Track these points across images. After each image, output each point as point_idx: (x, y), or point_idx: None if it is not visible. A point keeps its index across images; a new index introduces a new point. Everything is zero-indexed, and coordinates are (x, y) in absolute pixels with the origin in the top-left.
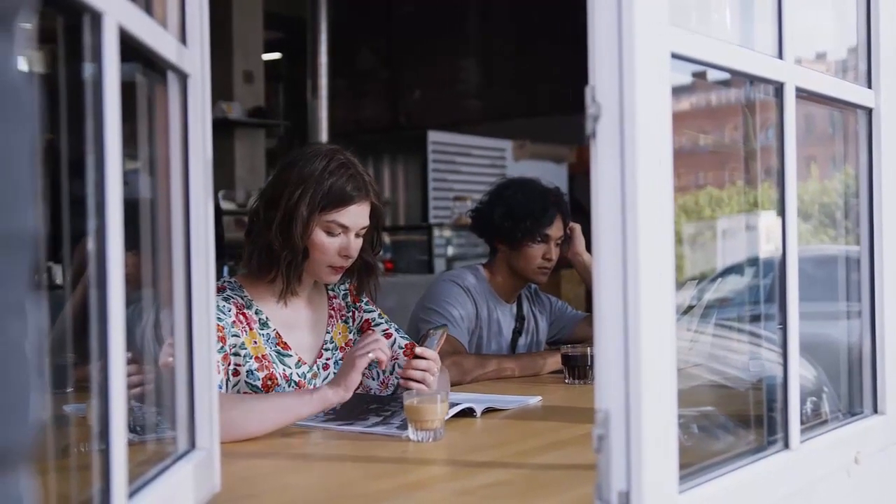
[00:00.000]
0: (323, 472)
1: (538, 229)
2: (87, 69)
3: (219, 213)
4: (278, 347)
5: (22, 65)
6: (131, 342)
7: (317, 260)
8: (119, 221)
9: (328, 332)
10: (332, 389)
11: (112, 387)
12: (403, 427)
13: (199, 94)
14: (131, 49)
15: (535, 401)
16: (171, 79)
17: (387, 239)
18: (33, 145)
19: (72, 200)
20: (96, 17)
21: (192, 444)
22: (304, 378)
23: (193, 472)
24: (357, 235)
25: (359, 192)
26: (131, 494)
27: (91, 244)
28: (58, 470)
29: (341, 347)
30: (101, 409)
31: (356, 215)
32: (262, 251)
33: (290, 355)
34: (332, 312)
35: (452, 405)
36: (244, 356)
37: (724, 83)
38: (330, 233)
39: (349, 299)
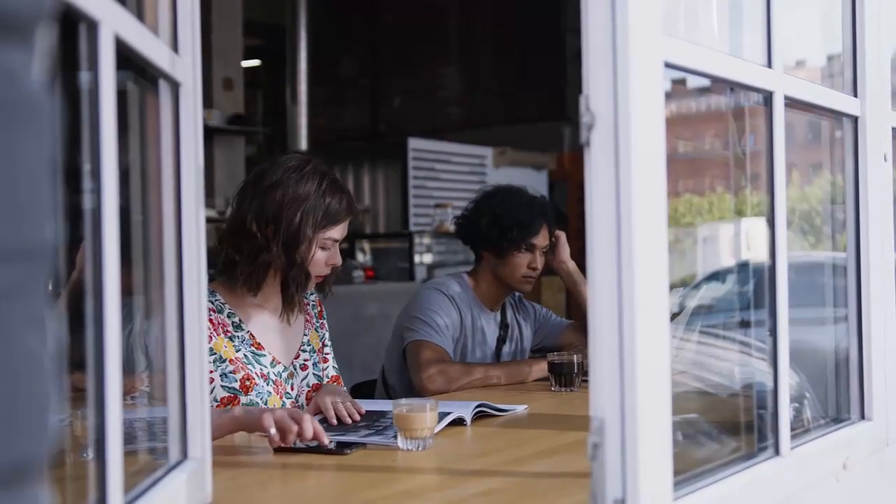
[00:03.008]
0: (314, 482)
1: (524, 239)
2: (83, 77)
3: None
4: (252, 348)
5: (40, 76)
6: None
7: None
8: (115, 229)
9: (305, 335)
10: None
11: (108, 397)
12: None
13: (190, 102)
14: (124, 57)
15: (521, 409)
16: (163, 87)
17: (367, 246)
18: (53, 157)
19: (65, 209)
20: (92, 26)
21: (185, 455)
22: (281, 377)
23: (186, 483)
24: (339, 245)
25: (351, 206)
26: None
27: (86, 253)
28: (49, 480)
29: (318, 350)
30: (97, 420)
31: (345, 228)
32: (261, 269)
33: (265, 355)
34: (308, 317)
35: (443, 415)
36: (214, 361)
37: (703, 90)
38: (323, 248)
39: (316, 311)
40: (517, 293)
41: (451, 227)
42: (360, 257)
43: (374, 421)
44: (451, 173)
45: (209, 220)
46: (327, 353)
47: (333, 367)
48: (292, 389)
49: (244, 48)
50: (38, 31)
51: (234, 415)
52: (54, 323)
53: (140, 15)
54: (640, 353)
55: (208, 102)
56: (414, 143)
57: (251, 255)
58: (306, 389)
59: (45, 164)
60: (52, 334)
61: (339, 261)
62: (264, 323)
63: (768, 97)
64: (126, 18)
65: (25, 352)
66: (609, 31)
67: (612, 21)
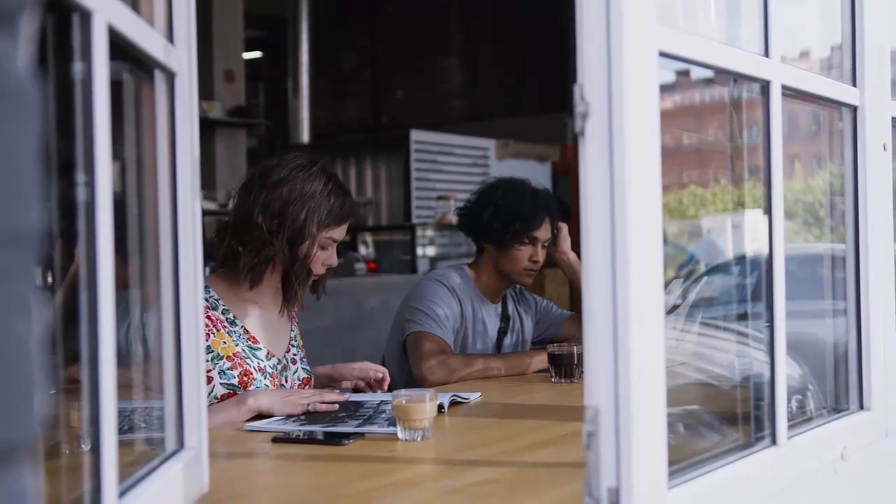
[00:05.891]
0: (312, 472)
1: (526, 232)
2: (76, 67)
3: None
4: (249, 342)
5: (25, 64)
6: (116, 343)
7: None
8: (109, 221)
9: (293, 330)
10: (263, 397)
11: (102, 388)
12: (392, 424)
13: (186, 92)
14: (118, 47)
15: (475, 396)
16: (159, 77)
17: (369, 239)
18: (38, 145)
19: (59, 201)
20: (86, 16)
21: (181, 444)
22: (276, 370)
23: (182, 472)
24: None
25: (353, 209)
26: (121, 494)
27: (79, 245)
28: (44, 471)
29: (301, 347)
30: (91, 410)
31: (344, 229)
32: (264, 263)
33: (260, 348)
34: (294, 315)
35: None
36: (212, 359)
37: (708, 81)
38: (323, 247)
39: (296, 309)
40: (518, 285)
41: (454, 219)
42: (363, 250)
43: (354, 411)
44: (453, 165)
45: (211, 213)
46: (297, 354)
47: (304, 368)
48: (286, 381)
49: (245, 40)
50: (22, 18)
51: (253, 406)
52: (41, 308)
53: (135, 5)
54: (634, 341)
55: (209, 94)
56: (416, 136)
57: (255, 247)
58: (297, 383)
59: (31, 152)
60: (38, 319)
61: (334, 262)
62: (256, 318)
63: (765, 86)
64: (120, 8)
65: (12, 335)
66: (603, 20)
67: (605, 10)
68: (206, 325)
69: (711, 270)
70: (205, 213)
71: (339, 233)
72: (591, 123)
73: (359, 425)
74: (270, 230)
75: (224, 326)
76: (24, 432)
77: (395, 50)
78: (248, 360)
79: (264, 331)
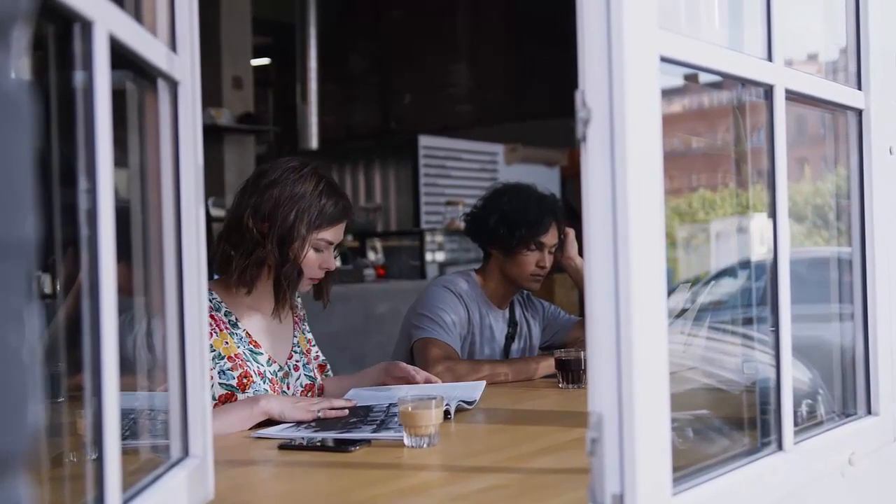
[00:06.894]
0: (318, 479)
1: (533, 237)
2: (78, 77)
3: (208, 220)
4: (250, 346)
5: (19, 73)
6: (123, 351)
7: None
8: (111, 230)
9: (295, 337)
10: (275, 402)
11: (105, 395)
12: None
13: (189, 101)
14: (121, 56)
15: (479, 390)
16: (162, 86)
17: (378, 245)
18: (31, 154)
19: (62, 209)
20: (87, 26)
21: (186, 452)
22: (276, 376)
23: (187, 480)
24: (335, 249)
25: (346, 211)
26: (125, 502)
27: (83, 253)
28: (50, 479)
29: (306, 353)
30: (94, 418)
31: (341, 231)
32: (255, 265)
33: (262, 353)
34: (297, 320)
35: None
36: (213, 358)
37: (716, 85)
38: (317, 249)
39: (303, 314)
40: (526, 290)
41: (463, 224)
42: (372, 255)
43: (365, 416)
44: (462, 171)
45: (220, 220)
46: (316, 349)
47: (308, 376)
48: (288, 388)
49: (253, 46)
50: (14, 30)
51: (265, 409)
52: (36, 319)
53: (138, 15)
54: (638, 347)
55: (217, 101)
56: (424, 141)
57: (246, 250)
58: (300, 390)
59: (25, 162)
60: (33, 330)
61: (332, 265)
62: (258, 323)
63: (769, 90)
64: (121, 18)
65: (5, 347)
66: (604, 26)
67: (606, 15)
68: (209, 325)
69: (720, 274)
70: (214, 219)
71: (333, 234)
72: (592, 129)
73: (373, 430)
74: (261, 232)
75: (226, 327)
76: (20, 442)
77: (402, 54)
78: (248, 363)
79: (266, 336)
